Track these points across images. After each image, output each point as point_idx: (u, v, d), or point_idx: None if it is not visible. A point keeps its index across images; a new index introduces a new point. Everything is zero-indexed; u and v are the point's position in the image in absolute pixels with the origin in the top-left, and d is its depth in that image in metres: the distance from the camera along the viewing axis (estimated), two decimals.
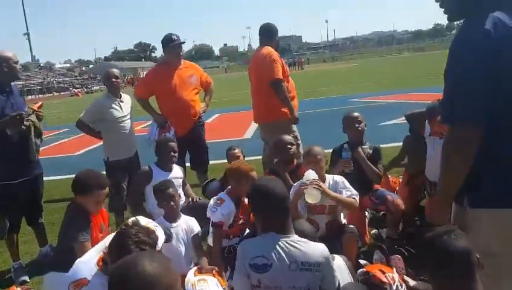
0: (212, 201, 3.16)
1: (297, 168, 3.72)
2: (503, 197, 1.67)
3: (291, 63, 58.10)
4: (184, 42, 4.76)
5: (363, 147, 3.73)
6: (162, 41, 4.69)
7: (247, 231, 3.29)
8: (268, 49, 4.59)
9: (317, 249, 2.03)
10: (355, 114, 3.84)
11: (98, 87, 56.63)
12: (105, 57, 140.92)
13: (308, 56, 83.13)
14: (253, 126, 11.33)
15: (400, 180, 4.32)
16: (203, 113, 4.90)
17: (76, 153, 9.98)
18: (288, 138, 3.88)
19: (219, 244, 3.06)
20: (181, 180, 3.90)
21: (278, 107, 4.50)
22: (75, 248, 2.66)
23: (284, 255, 2.01)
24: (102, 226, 2.97)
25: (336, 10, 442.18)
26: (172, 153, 3.86)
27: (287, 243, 2.03)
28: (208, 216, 3.16)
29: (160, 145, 3.91)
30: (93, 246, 2.67)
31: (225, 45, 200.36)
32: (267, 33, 4.77)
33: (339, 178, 3.25)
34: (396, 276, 2.77)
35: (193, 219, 3.20)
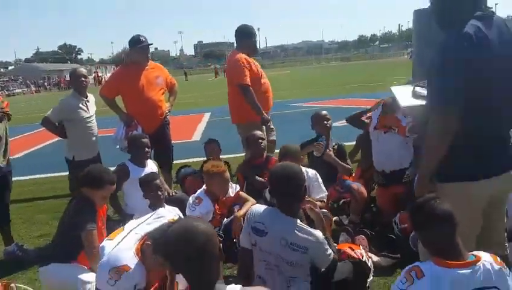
0: (191, 199, 3.41)
1: (267, 162, 4.07)
2: (464, 173, 2.11)
3: (225, 69, 58.77)
4: (151, 44, 4.90)
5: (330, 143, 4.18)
6: (129, 42, 4.79)
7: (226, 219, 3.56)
8: (236, 54, 4.84)
9: (310, 235, 2.30)
10: (324, 112, 4.29)
11: (20, 90, 53.31)
12: (26, 58, 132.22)
13: None
14: (200, 129, 11.55)
15: (353, 174, 4.80)
16: (169, 112, 5.07)
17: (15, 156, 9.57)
18: (259, 133, 4.25)
19: None
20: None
21: (249, 110, 4.76)
22: (83, 236, 2.75)
23: (278, 230, 2.31)
24: (103, 219, 3.07)
25: (268, 18, 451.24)
26: (146, 149, 4.03)
27: (285, 222, 2.33)
28: (187, 214, 3.38)
29: (134, 141, 4.05)
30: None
31: (156, 49, 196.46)
32: (239, 35, 4.98)
33: (312, 173, 3.62)
34: (363, 252, 3.19)
35: (176, 208, 3.40)
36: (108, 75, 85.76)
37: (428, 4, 2.29)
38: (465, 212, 1.98)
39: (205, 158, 4.90)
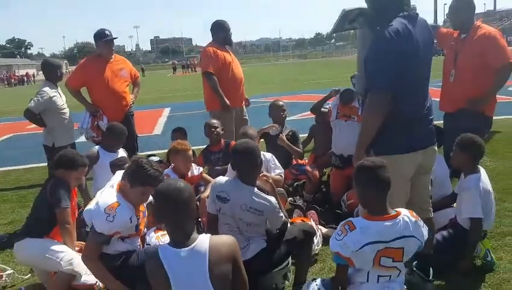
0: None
1: (227, 146, 4.47)
2: (396, 147, 2.55)
3: (184, 65, 58.31)
4: (116, 38, 5.12)
5: (285, 131, 4.61)
6: (94, 35, 5.01)
7: None
8: (207, 46, 5.26)
9: (266, 201, 2.69)
10: (280, 103, 4.74)
11: None
12: None
13: (199, 59, 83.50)
14: (161, 123, 11.74)
15: (306, 160, 5.26)
16: (133, 104, 5.32)
17: None
18: (213, 121, 4.60)
19: None
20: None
21: (217, 97, 5.12)
22: (57, 213, 2.98)
23: (239, 197, 2.69)
24: (75, 199, 3.30)
25: (226, 15, 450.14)
26: (122, 138, 4.30)
27: (245, 190, 2.70)
28: None
29: (111, 128, 4.30)
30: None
31: None
32: (213, 28, 5.34)
33: (269, 156, 4.03)
34: (314, 224, 3.63)
35: None
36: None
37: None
38: (397, 180, 2.38)
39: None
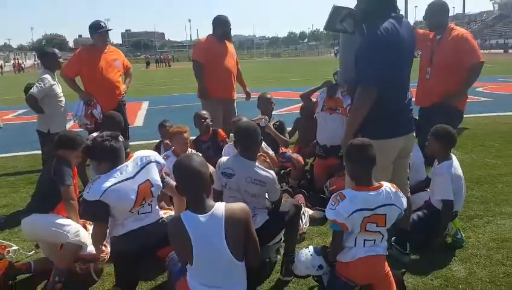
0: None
1: (215, 136, 4.79)
2: (382, 133, 2.88)
3: (157, 59, 57.76)
4: (111, 29, 5.29)
5: (272, 121, 4.90)
6: (89, 26, 5.16)
7: None
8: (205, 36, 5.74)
9: (267, 173, 3.01)
10: (268, 95, 5.02)
11: None
12: None
13: (173, 54, 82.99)
14: (141, 116, 11.84)
15: (290, 150, 5.58)
16: (125, 93, 5.50)
17: None
18: (203, 112, 4.87)
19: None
20: None
21: (210, 87, 5.50)
22: (62, 190, 3.14)
23: (243, 171, 2.99)
24: (76, 177, 3.48)
25: (200, 10, 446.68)
26: (119, 126, 4.49)
27: (248, 164, 3.00)
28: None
29: (111, 117, 4.50)
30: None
31: (80, 36, 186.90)
32: (213, 23, 5.66)
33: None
34: (302, 206, 3.93)
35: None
36: (28, 62, 79.81)
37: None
38: (381, 161, 2.72)
39: (159, 140, 5.34)
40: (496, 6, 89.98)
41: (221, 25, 5.61)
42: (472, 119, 8.58)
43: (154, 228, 2.90)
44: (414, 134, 3.16)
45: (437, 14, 4.34)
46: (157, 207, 3.09)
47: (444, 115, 4.10)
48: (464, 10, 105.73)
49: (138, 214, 2.87)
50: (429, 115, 4.32)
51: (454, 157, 3.62)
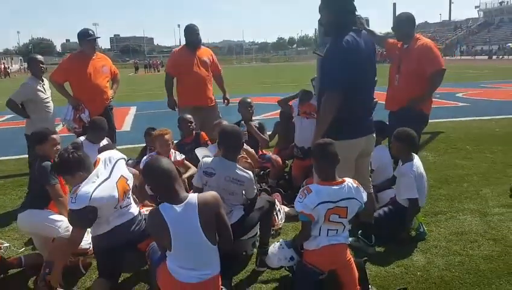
0: (145, 158, 4.22)
1: (198, 138, 5.07)
2: (345, 133, 3.17)
3: (146, 64, 57.84)
4: (99, 37, 5.54)
5: (253, 123, 5.20)
6: (78, 34, 5.39)
7: None
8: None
9: (245, 174, 3.29)
10: (248, 100, 5.31)
11: None
12: None
13: (162, 59, 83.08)
14: (128, 121, 12.05)
15: (270, 152, 5.87)
16: (112, 98, 5.74)
17: None
18: (188, 116, 5.14)
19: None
20: None
21: (180, 96, 5.88)
22: (49, 190, 3.37)
23: (224, 170, 3.26)
24: None
25: (188, 16, 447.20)
26: (103, 131, 4.73)
27: (228, 165, 3.28)
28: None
29: (96, 124, 4.73)
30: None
31: (68, 40, 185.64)
32: (184, 32, 5.86)
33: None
34: (278, 203, 4.21)
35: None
36: (14, 66, 78.70)
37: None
38: (344, 159, 2.98)
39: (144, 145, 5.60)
40: (481, 13, 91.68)
41: (188, 34, 5.81)
42: (447, 124, 8.96)
43: (135, 222, 3.15)
44: (374, 135, 3.46)
45: (404, 26, 4.67)
46: (133, 198, 3.33)
47: (410, 118, 4.42)
48: (450, 17, 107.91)
49: (121, 208, 3.09)
50: (397, 118, 4.62)
51: (416, 157, 3.92)
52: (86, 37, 5.37)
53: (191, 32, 5.79)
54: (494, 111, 10.77)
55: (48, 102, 5.14)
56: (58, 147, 3.63)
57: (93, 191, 2.84)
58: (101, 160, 3.09)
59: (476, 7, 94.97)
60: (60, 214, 3.41)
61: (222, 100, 6.25)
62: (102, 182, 2.95)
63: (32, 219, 3.39)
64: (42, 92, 5.10)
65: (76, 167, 2.94)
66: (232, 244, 2.75)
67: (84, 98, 5.39)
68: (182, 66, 5.77)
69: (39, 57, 5.29)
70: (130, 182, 3.20)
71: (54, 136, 3.63)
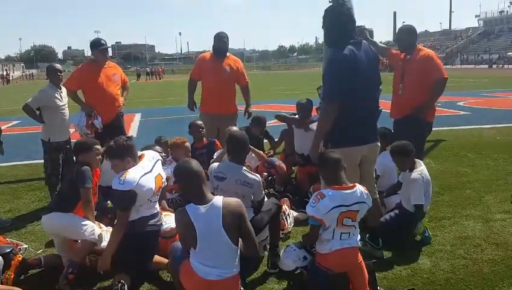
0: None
1: (211, 144, 5.21)
2: (345, 141, 3.32)
3: (148, 72, 58.09)
4: (110, 47, 5.70)
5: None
6: (91, 44, 5.57)
7: None
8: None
9: (254, 177, 3.49)
10: (199, 122, 5.42)
11: None
12: None
13: (164, 66, 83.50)
14: (134, 127, 12.21)
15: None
16: (123, 105, 5.88)
17: None
18: (199, 122, 5.32)
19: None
20: None
21: (203, 101, 6.02)
22: (82, 192, 3.52)
23: (234, 174, 3.45)
24: (96, 182, 3.82)
25: (190, 24, 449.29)
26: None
27: (237, 168, 3.47)
28: None
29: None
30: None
31: (69, 48, 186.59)
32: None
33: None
34: (287, 208, 4.34)
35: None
36: (16, 73, 79.07)
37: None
38: (348, 165, 3.13)
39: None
40: (481, 22, 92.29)
41: (215, 40, 5.91)
42: (449, 132, 9.13)
43: (156, 217, 3.45)
44: (378, 143, 3.60)
45: (406, 37, 4.83)
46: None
47: (414, 126, 4.58)
48: (450, 26, 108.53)
49: (151, 202, 3.38)
50: (402, 126, 4.77)
51: (423, 166, 4.05)
52: (98, 47, 5.52)
53: (218, 38, 5.88)
54: (495, 119, 10.95)
55: (63, 109, 5.29)
56: (100, 157, 3.86)
57: (140, 178, 3.21)
58: (146, 156, 3.48)
59: (476, 16, 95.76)
60: (86, 218, 3.55)
61: (243, 112, 6.23)
62: (146, 173, 3.30)
63: (58, 221, 3.52)
64: (59, 99, 5.24)
65: (128, 152, 3.32)
66: (257, 249, 2.90)
67: (96, 105, 5.51)
68: (205, 72, 5.91)
69: (57, 65, 5.46)
70: (164, 181, 3.54)
71: (98, 146, 3.83)
